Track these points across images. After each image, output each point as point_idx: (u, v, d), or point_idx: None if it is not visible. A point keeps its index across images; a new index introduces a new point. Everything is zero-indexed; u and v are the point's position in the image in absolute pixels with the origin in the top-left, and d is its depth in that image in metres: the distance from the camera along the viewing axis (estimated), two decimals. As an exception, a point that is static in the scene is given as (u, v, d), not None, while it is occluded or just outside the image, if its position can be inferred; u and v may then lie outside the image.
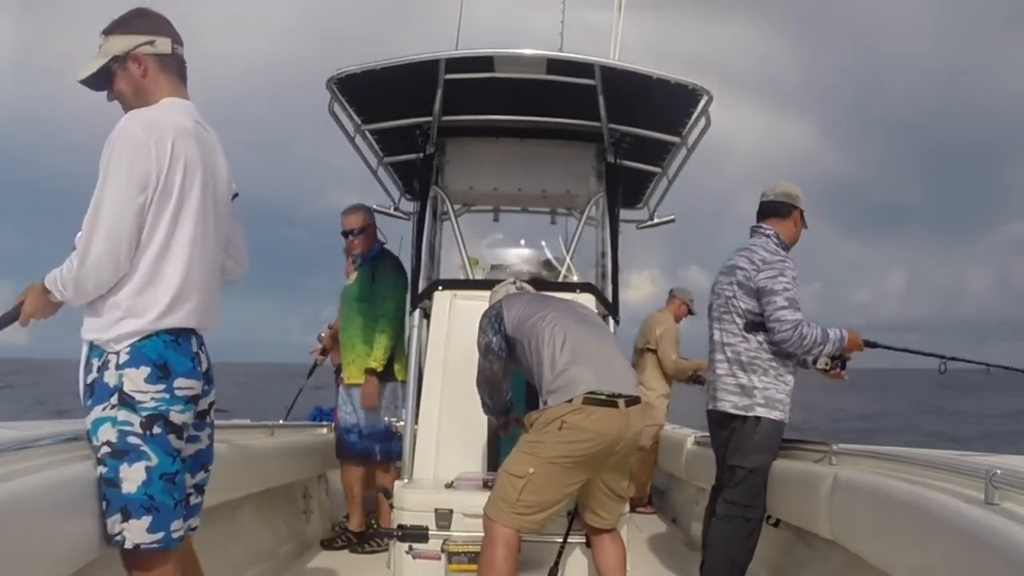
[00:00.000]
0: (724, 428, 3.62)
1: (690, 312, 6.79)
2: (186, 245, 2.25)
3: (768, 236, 3.67)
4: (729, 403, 3.55)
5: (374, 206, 5.24)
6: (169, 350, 2.20)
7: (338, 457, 4.88)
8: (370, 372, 4.66)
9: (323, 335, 5.98)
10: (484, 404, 3.53)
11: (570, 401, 2.97)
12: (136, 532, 2.13)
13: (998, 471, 2.14)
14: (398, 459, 4.55)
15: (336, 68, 3.85)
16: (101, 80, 2.36)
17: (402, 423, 4.11)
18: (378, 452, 4.70)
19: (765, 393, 3.50)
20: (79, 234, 2.19)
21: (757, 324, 3.54)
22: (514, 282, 3.76)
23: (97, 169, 2.18)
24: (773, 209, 3.74)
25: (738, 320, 3.58)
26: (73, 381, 2.28)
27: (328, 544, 4.77)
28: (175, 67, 2.38)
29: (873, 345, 3.72)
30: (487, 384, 3.43)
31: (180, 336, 2.24)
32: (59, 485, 2.07)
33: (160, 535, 2.16)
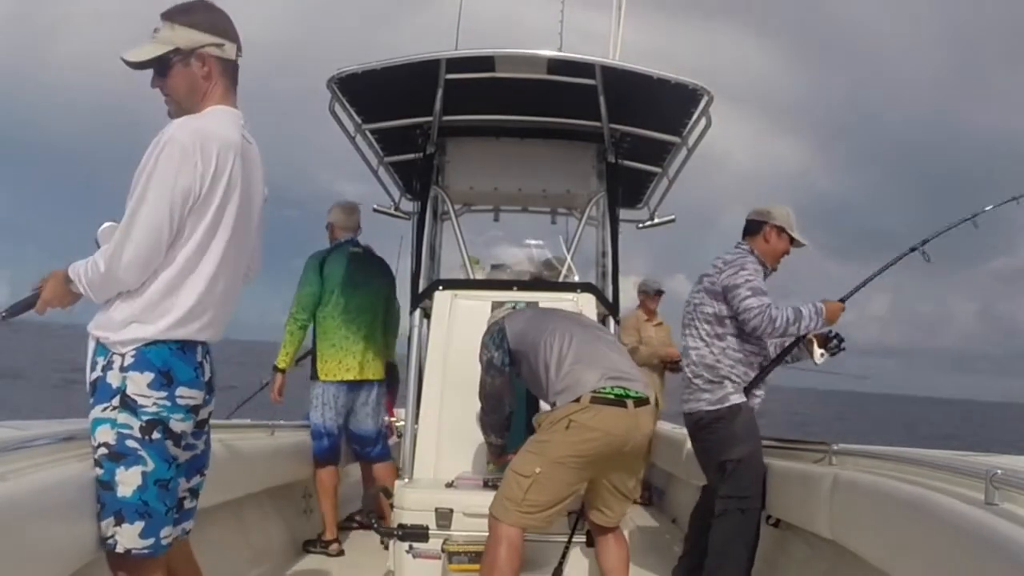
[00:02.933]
0: (702, 429, 3.64)
1: (647, 299, 6.89)
2: (214, 261, 2.21)
3: (743, 250, 3.73)
4: (704, 401, 3.59)
5: (374, 206, 5.24)
6: (174, 358, 2.17)
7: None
8: (273, 368, 4.67)
9: None
10: (482, 421, 3.52)
11: (578, 400, 2.97)
12: (128, 537, 2.11)
13: (998, 471, 2.14)
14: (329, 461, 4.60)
15: (330, 62, 3.85)
16: (151, 66, 2.25)
17: (401, 422, 4.11)
18: (323, 451, 4.64)
19: (735, 383, 3.56)
20: (100, 227, 2.16)
21: (722, 331, 3.58)
22: (514, 306, 3.78)
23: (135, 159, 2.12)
24: (746, 227, 3.81)
25: (704, 326, 3.64)
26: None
27: (309, 545, 4.64)
28: (233, 74, 2.32)
29: (845, 298, 3.69)
30: (488, 399, 3.44)
31: (187, 345, 2.21)
32: (57, 485, 2.07)
33: (151, 541, 2.13)
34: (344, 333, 4.62)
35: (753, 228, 3.77)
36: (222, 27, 2.28)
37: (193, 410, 2.23)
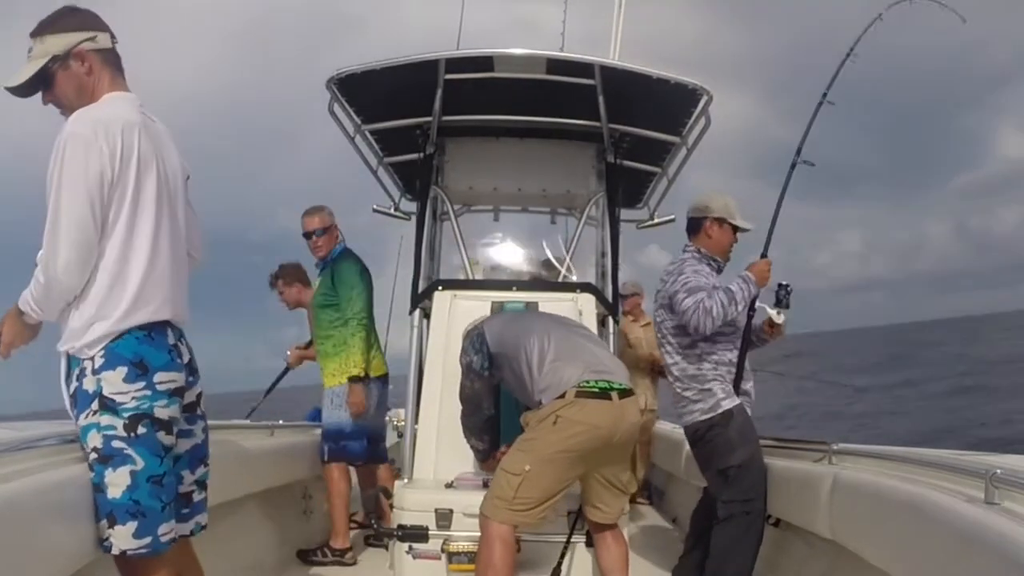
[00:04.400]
0: (700, 439, 3.62)
1: (624, 299, 6.76)
2: (147, 239, 2.21)
3: (688, 252, 3.69)
4: (697, 411, 3.57)
5: (374, 206, 5.24)
6: (143, 345, 2.17)
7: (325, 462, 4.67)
8: (354, 379, 4.49)
9: (288, 354, 5.87)
10: (463, 425, 3.51)
11: (563, 396, 2.98)
12: (122, 538, 2.10)
13: (998, 471, 2.14)
14: (377, 460, 4.56)
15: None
16: (36, 85, 2.27)
17: (402, 421, 4.11)
18: (365, 452, 4.59)
19: (724, 387, 3.53)
20: (40, 252, 2.15)
21: (689, 340, 3.55)
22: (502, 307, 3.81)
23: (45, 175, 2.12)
24: (688, 226, 3.76)
25: (673, 340, 3.62)
26: None
27: (304, 556, 4.50)
28: (115, 61, 2.33)
29: (764, 252, 3.62)
30: (468, 403, 3.44)
31: (153, 330, 2.20)
32: (57, 486, 2.07)
33: (147, 540, 2.12)
34: (374, 336, 4.70)
35: (694, 226, 3.71)
36: (89, 22, 2.30)
37: (176, 393, 2.23)
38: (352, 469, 4.97)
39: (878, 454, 3.17)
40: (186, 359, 2.31)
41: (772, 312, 3.63)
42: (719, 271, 3.66)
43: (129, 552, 2.11)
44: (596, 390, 3.00)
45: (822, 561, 3.36)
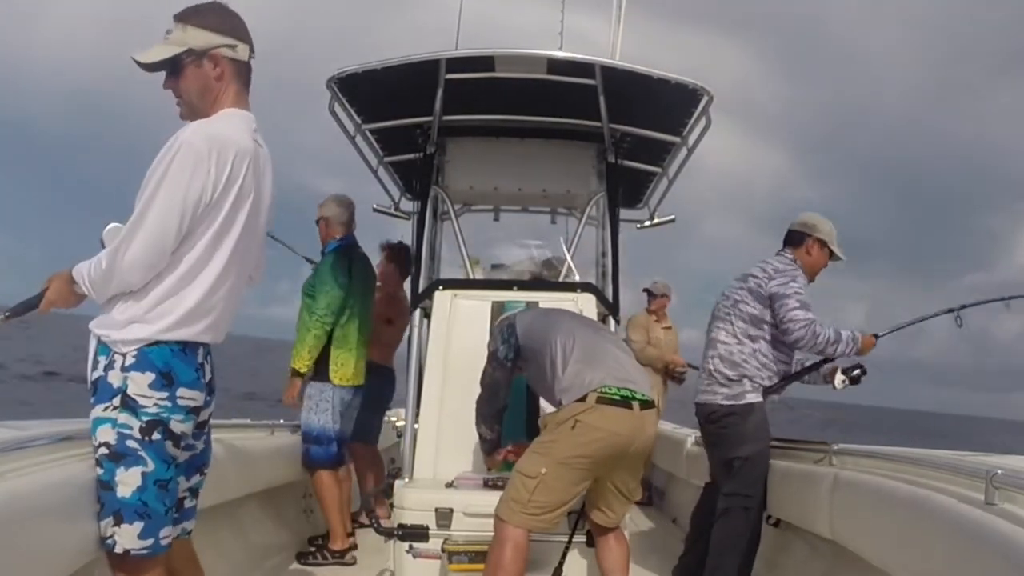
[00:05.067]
0: (714, 423, 3.64)
1: (653, 299, 6.86)
2: (220, 265, 2.21)
3: (789, 258, 3.75)
4: (720, 395, 3.60)
5: (374, 206, 5.24)
6: (176, 359, 2.17)
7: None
8: (293, 373, 4.35)
9: None
10: (477, 410, 3.49)
11: (583, 399, 2.97)
12: (127, 537, 2.11)
13: (998, 471, 2.14)
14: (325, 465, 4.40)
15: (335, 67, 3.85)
16: (163, 66, 2.25)
17: (401, 421, 4.11)
18: (333, 457, 4.44)
19: (754, 383, 3.57)
20: (106, 228, 2.16)
21: (756, 334, 3.60)
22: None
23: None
24: (788, 238, 3.83)
25: (739, 324, 3.65)
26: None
27: (304, 558, 4.42)
28: (245, 75, 2.32)
29: (880, 335, 3.77)
30: (486, 389, 3.43)
31: (188, 347, 2.21)
32: (57, 485, 2.07)
33: (150, 541, 2.13)
34: (362, 339, 4.52)
35: (796, 239, 3.79)
36: (235, 28, 2.28)
37: (193, 411, 2.23)
38: (352, 468, 4.97)
39: (878, 454, 3.17)
40: (207, 379, 2.31)
41: (839, 378, 3.72)
42: None
43: (132, 552, 2.12)
44: (617, 397, 2.99)
45: (822, 561, 3.37)
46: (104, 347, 2.17)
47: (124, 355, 2.13)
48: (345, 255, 4.52)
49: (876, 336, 3.74)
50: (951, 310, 3.91)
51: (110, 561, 2.18)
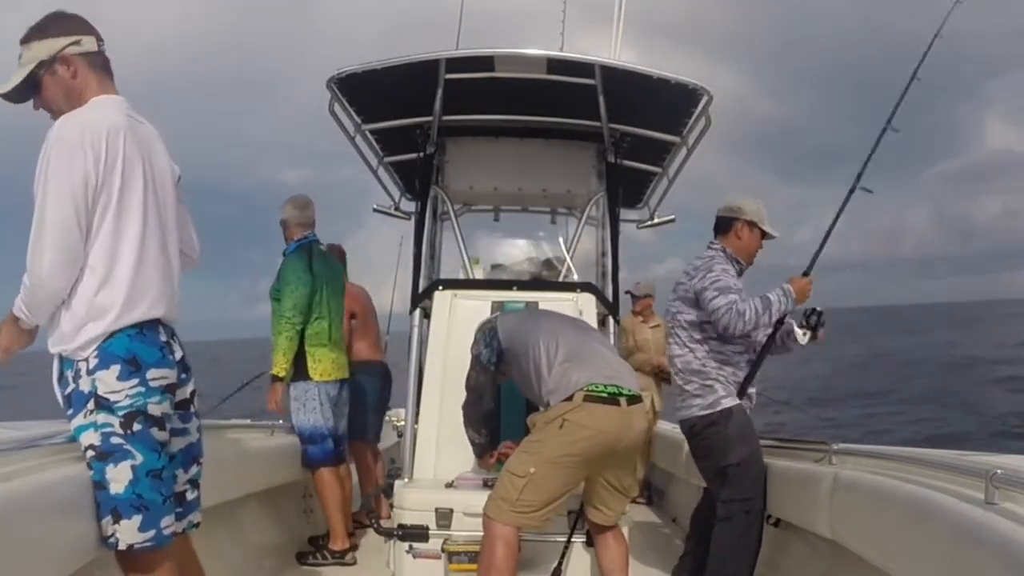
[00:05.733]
0: (696, 436, 3.63)
1: (636, 300, 6.81)
2: (135, 241, 2.23)
3: (715, 250, 3.70)
4: (696, 406, 3.58)
5: (374, 206, 5.24)
6: (136, 343, 2.20)
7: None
8: (272, 378, 4.35)
9: None
10: (464, 414, 3.49)
11: (570, 398, 2.97)
12: (128, 532, 2.13)
13: (998, 471, 2.14)
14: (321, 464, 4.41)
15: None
16: (26, 90, 2.31)
17: (401, 421, 4.10)
18: (329, 455, 4.45)
19: (725, 384, 3.54)
20: (28, 255, 2.16)
21: (701, 336, 3.58)
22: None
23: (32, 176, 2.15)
24: (716, 225, 3.77)
25: (682, 334, 3.64)
26: None
27: (304, 558, 4.43)
28: (102, 64, 2.36)
29: (809, 270, 3.62)
30: (471, 392, 3.44)
31: (145, 327, 2.23)
32: (57, 485, 2.07)
33: (151, 533, 2.16)
34: (334, 333, 4.52)
35: (724, 225, 3.73)
36: (75, 26, 2.33)
37: (168, 389, 2.26)
38: (353, 468, 4.97)
39: (878, 454, 3.17)
40: (178, 356, 2.34)
41: (798, 332, 3.63)
42: (740, 274, 3.67)
43: (136, 546, 2.14)
44: (605, 395, 2.99)
45: (822, 561, 3.36)
46: (68, 361, 2.21)
47: (86, 360, 2.17)
48: (304, 253, 4.52)
49: (806, 274, 3.60)
50: (852, 190, 3.64)
51: (119, 562, 2.20)
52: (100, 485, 2.13)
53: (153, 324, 2.26)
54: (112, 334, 2.17)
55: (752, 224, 3.69)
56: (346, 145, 4.58)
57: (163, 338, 2.29)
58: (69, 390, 2.19)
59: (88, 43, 2.32)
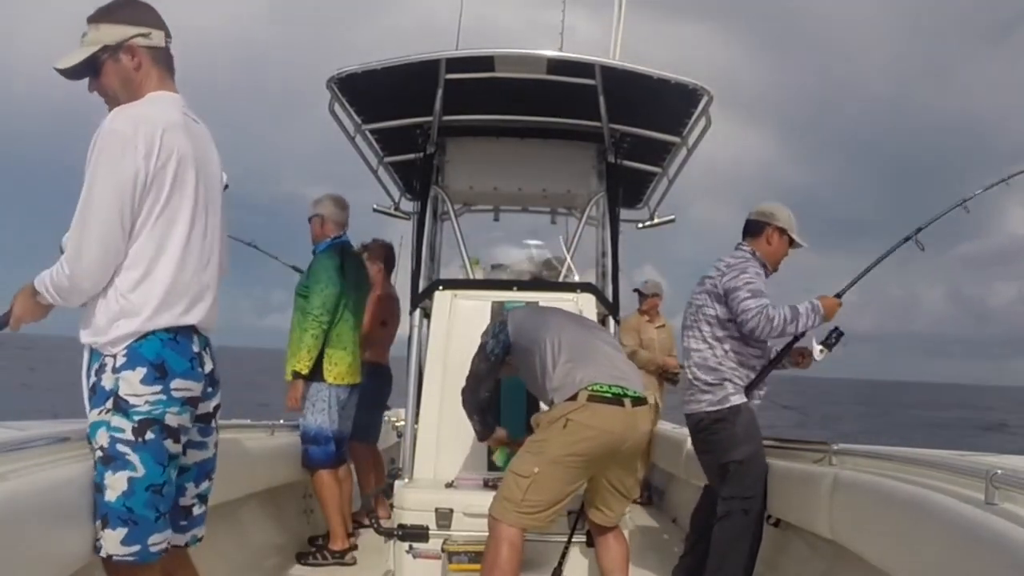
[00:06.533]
0: (702, 431, 3.64)
1: (644, 299, 6.80)
2: (180, 241, 2.18)
3: (746, 252, 3.72)
4: (705, 402, 3.59)
5: (374, 206, 5.24)
6: (167, 349, 2.14)
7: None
8: (295, 375, 4.34)
9: None
10: (462, 396, 3.49)
11: (574, 398, 2.97)
12: (111, 542, 2.08)
13: (998, 471, 2.14)
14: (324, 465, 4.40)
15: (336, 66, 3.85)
16: (85, 70, 2.25)
17: (401, 421, 4.10)
18: (331, 457, 4.42)
19: (735, 384, 3.56)
20: (66, 235, 2.13)
21: (723, 334, 3.58)
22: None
23: (83, 164, 2.12)
24: (747, 228, 3.80)
25: (705, 328, 3.64)
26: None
27: (304, 558, 4.41)
28: (166, 61, 2.30)
29: (842, 293, 3.68)
30: (470, 378, 3.44)
31: (179, 335, 2.18)
32: (55, 486, 2.06)
33: (135, 548, 2.09)
34: (354, 337, 4.52)
35: (755, 229, 3.76)
36: (146, 18, 2.28)
37: (190, 402, 2.19)
38: (353, 468, 4.97)
39: (878, 454, 3.17)
40: (207, 369, 2.28)
41: (816, 348, 3.68)
42: (766, 278, 3.67)
43: (115, 558, 2.09)
44: (609, 395, 2.98)
45: (822, 561, 3.37)
46: (96, 354, 2.16)
47: (115, 356, 2.12)
48: (337, 253, 4.51)
49: (838, 296, 3.65)
50: (907, 239, 3.76)
51: (103, 564, 2.16)
52: (99, 488, 2.10)
53: (188, 332, 2.20)
54: (145, 335, 2.12)
55: (782, 231, 3.73)
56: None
57: (195, 348, 2.22)
58: (93, 383, 2.15)
59: (157, 37, 2.28)
